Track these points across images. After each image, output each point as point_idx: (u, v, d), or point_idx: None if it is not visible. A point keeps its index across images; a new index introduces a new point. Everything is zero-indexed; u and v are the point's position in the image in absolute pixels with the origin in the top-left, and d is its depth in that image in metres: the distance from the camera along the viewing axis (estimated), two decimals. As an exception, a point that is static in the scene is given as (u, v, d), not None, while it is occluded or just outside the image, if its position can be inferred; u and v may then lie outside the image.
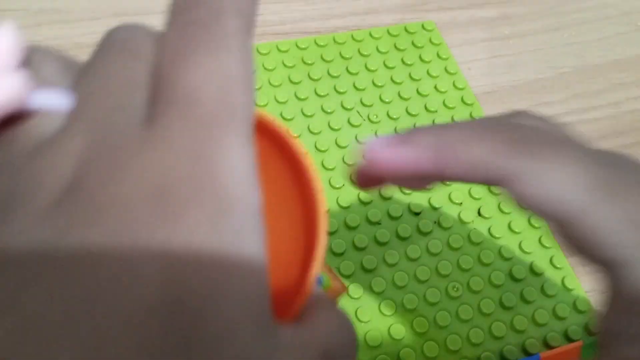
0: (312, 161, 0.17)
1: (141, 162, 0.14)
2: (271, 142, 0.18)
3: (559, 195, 0.18)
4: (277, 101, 0.43)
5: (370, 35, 0.48)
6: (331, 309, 0.16)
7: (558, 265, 0.38)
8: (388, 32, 0.48)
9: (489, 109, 0.46)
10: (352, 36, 0.47)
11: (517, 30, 0.51)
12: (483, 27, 0.51)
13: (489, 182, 0.20)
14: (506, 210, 0.40)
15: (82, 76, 0.16)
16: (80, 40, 0.44)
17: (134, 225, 0.13)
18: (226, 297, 0.13)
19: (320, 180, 0.17)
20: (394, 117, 0.44)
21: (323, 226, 0.17)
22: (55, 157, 0.14)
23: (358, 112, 0.43)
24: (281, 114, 0.42)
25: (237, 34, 0.15)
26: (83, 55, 0.15)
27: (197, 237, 0.13)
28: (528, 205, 0.19)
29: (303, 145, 0.16)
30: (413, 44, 0.48)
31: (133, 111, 0.15)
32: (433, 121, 0.44)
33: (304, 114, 0.43)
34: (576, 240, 0.19)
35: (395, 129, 0.43)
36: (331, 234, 0.38)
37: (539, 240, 0.39)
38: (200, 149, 0.14)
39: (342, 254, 0.37)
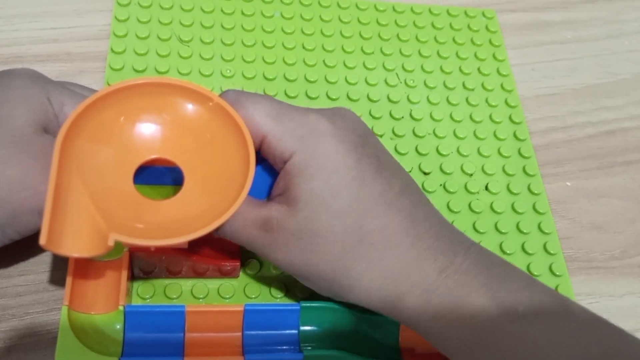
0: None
1: None
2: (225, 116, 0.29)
3: (253, 120, 0.28)
4: (324, 49, 0.46)
5: (430, 11, 0.50)
6: None
7: (551, 251, 0.39)
8: (447, 11, 0.50)
9: (549, 110, 0.47)
10: (411, 8, 0.50)
11: (579, 35, 0.52)
12: (546, 30, 0.52)
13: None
14: (515, 191, 0.41)
15: None
16: None
17: None
18: None
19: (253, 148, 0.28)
20: (431, 85, 0.45)
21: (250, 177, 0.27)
22: None
23: (397, 75, 0.46)
24: (324, 61, 0.45)
25: None
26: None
27: None
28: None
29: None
30: (469, 26, 0.49)
31: None
32: (467, 99, 0.45)
33: (345, 66, 0.45)
34: (268, 151, 0.29)
35: (427, 98, 0.45)
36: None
37: (539, 226, 0.40)
38: None
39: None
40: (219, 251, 0.33)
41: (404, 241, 0.28)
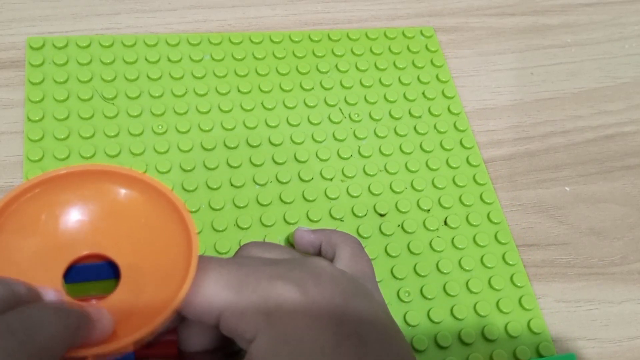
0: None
1: None
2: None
3: (206, 292, 0.24)
4: (261, 90, 0.43)
5: (367, 35, 0.48)
6: None
7: (518, 284, 0.38)
8: (385, 34, 0.48)
9: (548, 114, 0.46)
10: (347, 35, 0.47)
11: (578, 39, 0.51)
12: (545, 34, 0.51)
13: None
14: (474, 223, 0.40)
15: None
16: (156, 30, 0.45)
17: None
18: None
19: (197, 238, 0.25)
20: (376, 118, 0.43)
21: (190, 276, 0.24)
22: None
23: (340, 110, 0.43)
24: (262, 103, 0.42)
25: None
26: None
27: None
28: (190, 314, 0.25)
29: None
30: (408, 48, 0.48)
31: None
32: (414, 127, 0.43)
33: (285, 105, 0.43)
34: (228, 330, 0.24)
35: (374, 131, 0.43)
36: (293, 224, 0.38)
37: (503, 257, 0.39)
38: None
39: (299, 245, 0.37)
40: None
41: None
